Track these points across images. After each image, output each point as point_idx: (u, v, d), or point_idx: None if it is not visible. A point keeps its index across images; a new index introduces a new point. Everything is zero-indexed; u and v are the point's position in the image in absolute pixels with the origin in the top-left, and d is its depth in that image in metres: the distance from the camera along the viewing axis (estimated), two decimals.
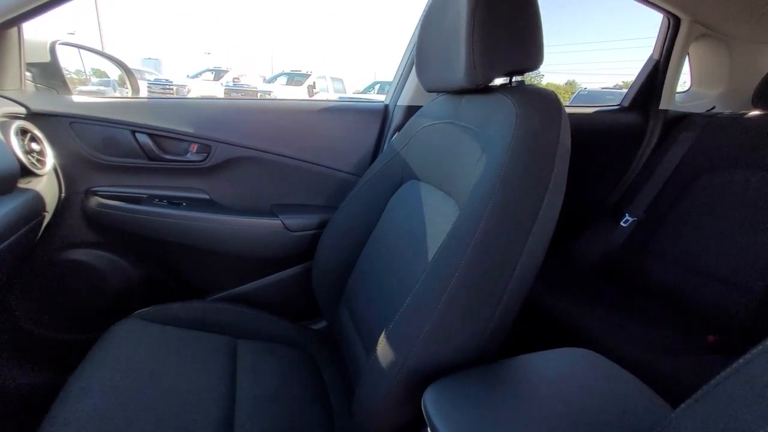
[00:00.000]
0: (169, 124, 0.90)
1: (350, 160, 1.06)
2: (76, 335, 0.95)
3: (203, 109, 0.95)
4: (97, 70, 1.38)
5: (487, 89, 0.65)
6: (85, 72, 1.32)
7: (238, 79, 9.80)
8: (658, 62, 1.22)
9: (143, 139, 0.89)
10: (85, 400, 0.61)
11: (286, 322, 0.96)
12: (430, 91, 0.77)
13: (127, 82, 1.11)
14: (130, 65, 1.18)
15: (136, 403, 0.62)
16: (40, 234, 0.85)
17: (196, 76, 10.02)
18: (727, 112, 1.20)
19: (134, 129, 0.88)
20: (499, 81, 0.67)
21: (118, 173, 0.91)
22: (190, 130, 0.91)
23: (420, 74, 0.77)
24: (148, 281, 1.00)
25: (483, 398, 0.43)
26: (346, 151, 1.05)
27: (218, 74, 9.89)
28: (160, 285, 1.02)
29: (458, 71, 0.60)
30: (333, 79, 10.03)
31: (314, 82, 9.24)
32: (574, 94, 8.99)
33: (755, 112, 1.10)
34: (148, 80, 8.23)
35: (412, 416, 0.52)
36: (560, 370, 0.48)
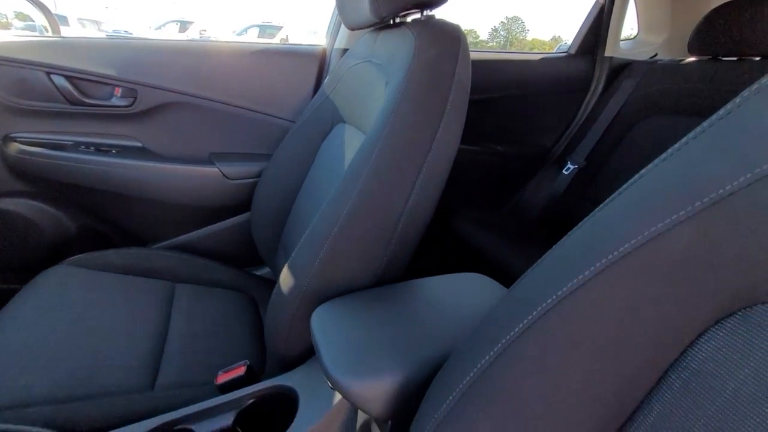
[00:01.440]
0: (88, 65, 0.86)
1: (289, 107, 1.04)
2: (14, 285, 0.95)
3: (127, 49, 0.90)
4: (20, 13, 1.28)
5: (397, 25, 0.64)
6: (5, 15, 1.22)
7: (205, 31, 9.20)
8: (603, 6, 1.21)
9: (60, 81, 0.84)
10: (4, 335, 0.62)
11: (228, 268, 0.97)
12: (352, 29, 0.75)
13: (48, 26, 1.03)
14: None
15: (59, 338, 0.64)
16: None
17: (159, 27, 9.36)
18: (666, 59, 1.22)
19: (49, 70, 0.84)
20: (412, 17, 0.66)
21: (37, 118, 0.87)
22: (112, 72, 0.87)
23: (341, 12, 0.75)
24: (86, 232, 1.00)
25: (365, 316, 0.46)
26: (284, 97, 1.03)
27: (184, 26, 9.26)
28: (100, 235, 1.02)
29: (364, 5, 0.59)
30: (312, 32, 9.54)
31: (287, 35, 8.77)
32: (555, 49, 8.87)
33: (691, 59, 1.12)
34: (106, 32, 7.67)
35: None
36: (447, 291, 0.51)
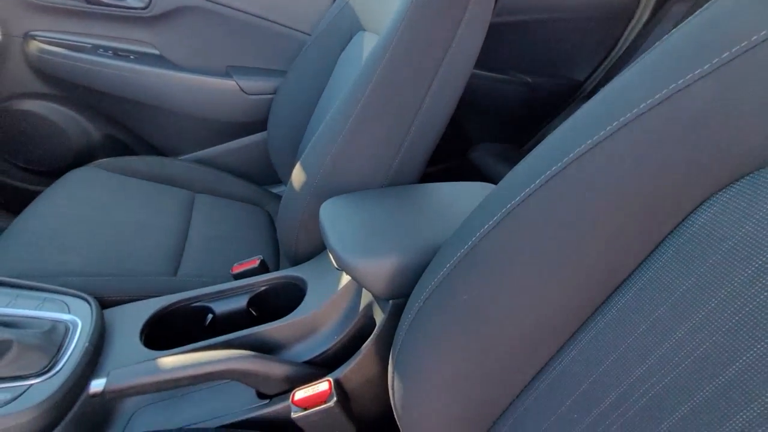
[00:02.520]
0: None
1: (306, 18, 0.99)
2: (42, 187, 1.00)
3: None
4: None
5: None
6: None
7: None
8: None
9: None
10: (35, 222, 0.67)
11: (245, 183, 1.00)
12: None
13: None
14: None
15: (89, 226, 0.69)
16: None
17: None
18: None
19: None
20: None
21: (55, 16, 0.86)
22: None
23: None
24: (110, 141, 1.02)
25: (373, 208, 0.47)
26: (301, 6, 0.98)
27: None
28: (123, 145, 1.04)
29: None
30: None
31: None
32: None
33: None
34: None
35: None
36: (455, 195, 0.51)
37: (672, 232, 0.25)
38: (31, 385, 0.37)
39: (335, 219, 0.44)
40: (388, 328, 0.43)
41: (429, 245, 0.41)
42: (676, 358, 0.23)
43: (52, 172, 0.99)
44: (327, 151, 0.51)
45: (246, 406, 0.44)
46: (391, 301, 0.42)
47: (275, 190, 1.08)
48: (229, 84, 0.98)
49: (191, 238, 0.77)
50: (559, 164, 0.27)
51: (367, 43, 0.73)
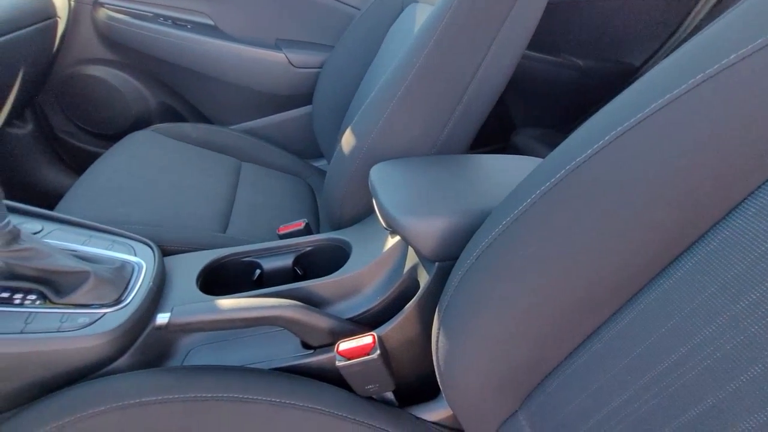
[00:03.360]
0: None
1: None
2: (102, 149, 1.07)
3: None
4: None
5: None
6: None
7: None
8: None
9: None
10: (101, 178, 0.72)
11: (288, 155, 1.03)
12: None
13: None
14: None
15: (147, 184, 0.73)
16: (57, 44, 0.90)
17: None
18: None
19: None
20: None
21: None
22: None
23: None
24: (164, 108, 1.07)
25: (423, 172, 0.48)
26: None
27: None
28: (175, 113, 1.09)
29: None
30: None
31: None
32: None
33: None
34: None
35: (369, 205, 0.58)
36: (506, 165, 0.51)
37: (717, 224, 0.24)
38: (105, 313, 0.41)
39: (386, 180, 0.45)
40: (432, 290, 0.44)
41: (479, 209, 0.41)
42: (717, 343, 0.23)
43: (110, 136, 1.06)
44: (378, 116, 0.52)
45: (291, 354, 0.46)
46: (437, 264, 0.43)
47: (316, 163, 1.10)
48: (278, 56, 1.00)
49: (237, 203, 0.80)
50: (632, 120, 0.26)
51: (420, 14, 0.73)
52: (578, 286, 0.29)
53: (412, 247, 0.43)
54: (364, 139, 0.53)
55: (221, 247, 0.57)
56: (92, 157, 1.06)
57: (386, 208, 0.41)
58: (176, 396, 0.37)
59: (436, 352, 0.38)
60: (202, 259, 0.54)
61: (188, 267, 0.52)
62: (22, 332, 0.36)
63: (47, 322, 0.38)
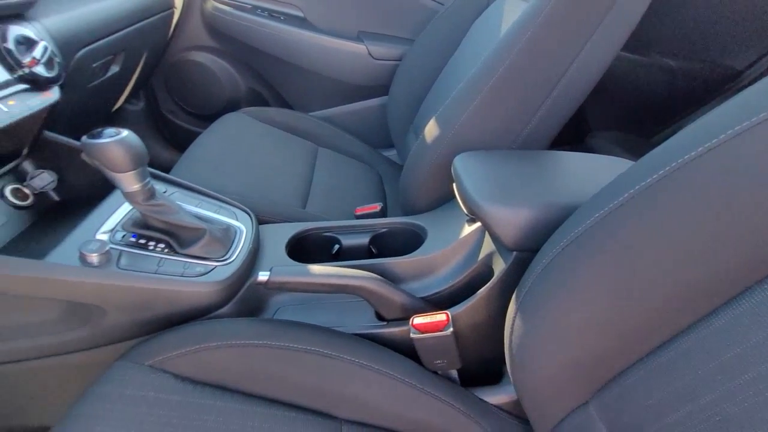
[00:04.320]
0: None
1: None
2: (195, 127, 1.18)
3: None
4: None
5: None
6: None
7: None
8: None
9: None
10: (201, 153, 0.81)
11: (361, 143, 1.07)
12: None
13: None
14: None
15: (238, 161, 0.81)
16: (171, 32, 1.01)
17: None
18: None
19: None
20: None
21: None
22: None
23: None
24: (251, 93, 1.17)
25: (506, 164, 0.49)
26: None
27: None
28: (260, 97, 1.18)
29: None
30: None
31: None
32: None
33: None
34: None
35: (447, 193, 0.61)
36: (591, 163, 0.51)
37: None
38: (215, 267, 0.47)
39: (470, 169, 0.47)
40: (507, 278, 0.45)
41: (564, 204, 0.42)
42: None
43: (204, 116, 1.17)
44: (464, 108, 0.54)
45: (366, 323, 0.50)
46: (514, 253, 0.44)
47: (386, 153, 1.14)
48: (360, 48, 1.05)
49: (314, 184, 0.86)
50: (745, 123, 0.26)
51: (510, 9, 0.73)
52: (676, 281, 0.30)
53: (492, 234, 0.44)
54: (448, 130, 0.55)
55: (302, 222, 0.63)
56: (187, 134, 1.18)
57: (471, 194, 0.44)
58: (272, 343, 0.42)
59: (510, 336, 0.40)
60: (289, 230, 0.59)
61: (278, 236, 0.58)
62: (156, 272, 0.43)
63: (173, 268, 0.45)
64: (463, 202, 0.46)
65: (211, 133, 0.89)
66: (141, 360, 0.39)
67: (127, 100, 1.02)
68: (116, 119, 1.09)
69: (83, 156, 0.41)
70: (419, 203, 0.62)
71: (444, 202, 0.61)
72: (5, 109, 0.42)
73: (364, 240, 0.60)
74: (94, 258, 0.41)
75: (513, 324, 0.39)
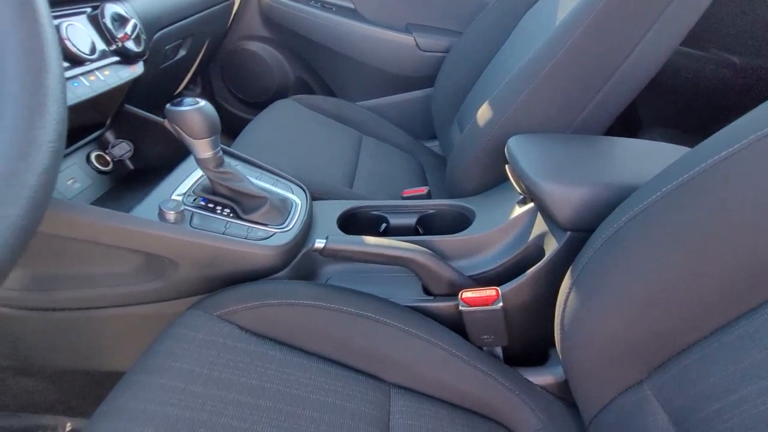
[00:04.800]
0: None
1: None
2: (245, 114, 1.24)
3: None
4: None
5: None
6: None
7: None
8: None
9: None
10: (256, 135, 0.85)
11: (403, 134, 1.09)
12: None
13: None
14: None
15: (290, 143, 0.85)
16: (230, 22, 1.07)
17: None
18: None
19: None
20: None
21: None
22: None
23: None
24: (299, 81, 1.21)
25: (562, 145, 0.49)
26: None
27: None
28: (307, 86, 1.22)
29: None
30: None
31: None
32: None
33: None
34: None
35: (496, 177, 0.61)
36: (644, 148, 0.50)
37: None
38: (275, 233, 0.50)
39: (525, 148, 0.48)
40: (559, 259, 0.46)
41: (621, 184, 0.42)
42: None
43: (253, 104, 1.23)
44: (519, 92, 0.54)
45: (414, 297, 0.52)
46: (568, 233, 0.44)
47: (428, 144, 1.15)
48: (407, 39, 1.06)
49: (359, 170, 0.88)
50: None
51: (564, 4, 0.72)
52: (743, 259, 0.29)
53: (546, 213, 0.45)
54: (503, 112, 0.56)
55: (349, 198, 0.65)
56: (238, 120, 1.24)
57: (527, 173, 0.44)
58: (327, 305, 0.44)
59: (562, 313, 0.40)
60: (339, 206, 0.62)
61: (329, 212, 0.61)
62: (224, 233, 0.47)
63: (238, 230, 0.48)
64: (518, 182, 0.47)
65: (264, 118, 0.93)
66: (210, 310, 0.42)
67: (186, 86, 1.08)
68: None
69: (165, 123, 0.45)
70: (468, 186, 0.63)
71: (493, 185, 0.62)
72: (102, 78, 0.46)
73: (411, 220, 0.62)
74: (171, 215, 0.44)
75: (566, 300, 0.40)
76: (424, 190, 0.67)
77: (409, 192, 0.69)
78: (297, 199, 0.58)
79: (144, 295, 0.48)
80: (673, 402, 0.34)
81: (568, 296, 0.40)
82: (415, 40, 1.06)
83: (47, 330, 0.50)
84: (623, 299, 0.35)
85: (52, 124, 0.24)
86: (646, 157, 0.48)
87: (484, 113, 0.59)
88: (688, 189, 0.32)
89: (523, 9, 0.87)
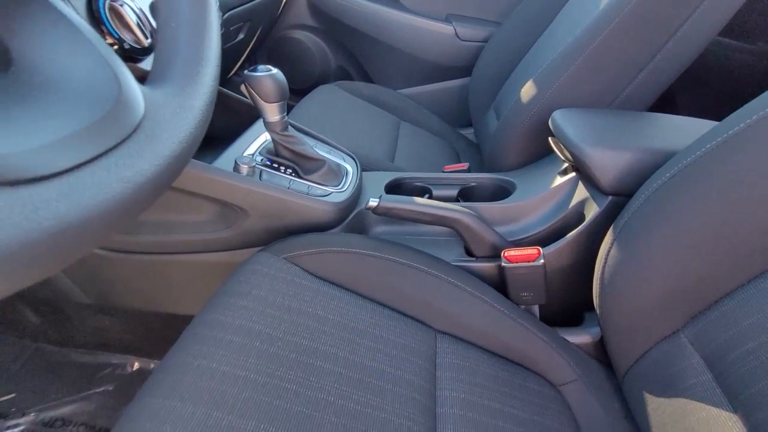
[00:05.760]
0: None
1: None
2: (292, 102, 1.30)
3: None
4: None
5: None
6: None
7: None
8: None
9: None
10: (301, 116, 0.90)
11: (439, 120, 1.13)
12: None
13: None
14: None
15: (333, 121, 0.90)
16: (280, 11, 1.13)
17: None
18: None
19: None
20: None
21: None
22: None
23: None
24: (339, 69, 1.27)
25: (605, 117, 0.52)
26: None
27: None
28: (346, 73, 1.28)
29: None
30: None
31: None
32: None
33: None
34: None
35: (535, 153, 0.64)
36: (683, 123, 0.52)
37: None
38: (332, 192, 0.55)
39: (570, 120, 0.51)
40: (599, 223, 0.48)
41: (663, 149, 0.44)
42: None
43: (297, 90, 1.29)
44: (567, 66, 0.57)
45: (457, 257, 0.56)
46: (610, 197, 0.47)
47: (463, 131, 1.18)
48: (447, 29, 1.10)
49: (399, 151, 0.92)
50: None
51: None
52: None
53: (590, 178, 0.48)
54: (547, 88, 0.59)
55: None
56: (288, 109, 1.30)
57: (572, 139, 0.47)
58: (381, 255, 0.48)
59: (602, 268, 0.43)
60: (386, 176, 0.66)
61: (376, 181, 0.65)
62: (288, 188, 0.52)
63: (300, 188, 0.53)
64: (562, 150, 0.50)
65: (309, 101, 0.99)
66: (277, 253, 0.47)
67: (236, 72, 1.15)
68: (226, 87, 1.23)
69: (242, 87, 0.50)
70: (508, 161, 0.66)
71: (533, 161, 0.65)
72: None
73: (453, 192, 0.65)
74: (245, 169, 0.50)
75: (607, 255, 0.43)
76: (464, 166, 0.71)
77: (450, 168, 0.72)
78: (349, 167, 0.62)
79: (215, 243, 0.54)
80: (709, 346, 0.37)
81: (608, 252, 0.42)
82: (455, 29, 1.09)
83: (127, 271, 0.57)
84: (665, 251, 0.38)
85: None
86: (684, 129, 0.50)
87: (528, 90, 0.62)
88: (730, 144, 0.34)
89: (563, 1, 0.89)
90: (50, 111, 0.19)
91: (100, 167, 0.19)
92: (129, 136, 0.21)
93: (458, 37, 1.10)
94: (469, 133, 1.18)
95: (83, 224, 0.17)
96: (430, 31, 1.10)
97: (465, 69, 1.14)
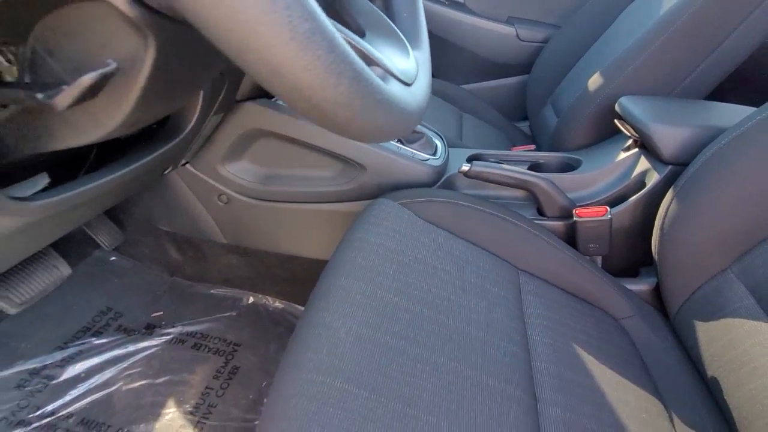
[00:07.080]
0: None
1: None
2: None
3: None
4: None
5: None
6: None
7: None
8: None
9: None
10: None
11: (497, 113, 1.23)
12: None
13: None
14: None
15: None
16: None
17: None
18: None
19: None
20: None
21: None
22: None
23: None
24: None
25: (666, 103, 0.62)
26: None
27: None
28: None
29: None
30: None
31: None
32: None
33: None
34: None
35: (600, 135, 0.74)
36: (737, 109, 0.61)
37: None
38: (429, 158, 0.67)
39: (636, 103, 0.61)
40: (659, 189, 0.58)
41: (718, 125, 0.54)
42: None
43: None
44: (633, 60, 0.67)
45: (530, 216, 0.67)
46: (670, 167, 0.57)
47: (518, 124, 1.28)
48: (508, 30, 1.21)
49: (464, 138, 1.04)
50: None
51: None
52: None
53: (652, 149, 0.58)
54: (614, 78, 0.69)
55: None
56: None
57: (638, 116, 0.57)
58: (473, 205, 0.60)
59: (663, 219, 0.53)
60: (466, 152, 0.78)
61: (458, 155, 0.77)
62: (397, 152, 0.64)
63: (406, 152, 0.66)
64: (627, 129, 0.60)
65: None
66: (395, 199, 0.59)
67: None
68: None
69: None
70: (574, 142, 0.77)
71: (596, 143, 0.75)
72: None
73: (523, 167, 0.76)
74: None
75: (668, 209, 0.53)
76: (532, 147, 0.82)
77: (517, 149, 0.83)
78: (439, 143, 0.75)
79: (334, 195, 0.67)
80: (756, 279, 0.46)
81: (668, 206, 0.53)
82: (516, 30, 1.20)
83: (261, 216, 0.71)
84: (719, 201, 0.48)
85: None
86: (733, 112, 0.59)
87: (596, 81, 0.73)
88: None
89: (625, 2, 0.98)
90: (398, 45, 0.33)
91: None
92: (416, 75, 0.34)
93: (519, 38, 1.20)
94: (523, 126, 1.28)
95: (420, 109, 0.31)
96: (492, 32, 1.22)
97: (523, 67, 1.24)
